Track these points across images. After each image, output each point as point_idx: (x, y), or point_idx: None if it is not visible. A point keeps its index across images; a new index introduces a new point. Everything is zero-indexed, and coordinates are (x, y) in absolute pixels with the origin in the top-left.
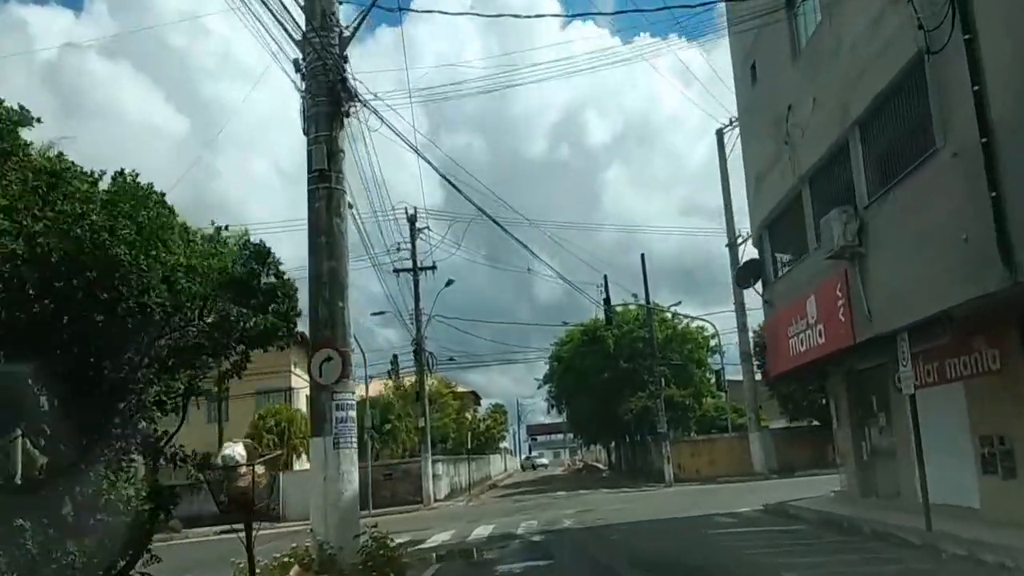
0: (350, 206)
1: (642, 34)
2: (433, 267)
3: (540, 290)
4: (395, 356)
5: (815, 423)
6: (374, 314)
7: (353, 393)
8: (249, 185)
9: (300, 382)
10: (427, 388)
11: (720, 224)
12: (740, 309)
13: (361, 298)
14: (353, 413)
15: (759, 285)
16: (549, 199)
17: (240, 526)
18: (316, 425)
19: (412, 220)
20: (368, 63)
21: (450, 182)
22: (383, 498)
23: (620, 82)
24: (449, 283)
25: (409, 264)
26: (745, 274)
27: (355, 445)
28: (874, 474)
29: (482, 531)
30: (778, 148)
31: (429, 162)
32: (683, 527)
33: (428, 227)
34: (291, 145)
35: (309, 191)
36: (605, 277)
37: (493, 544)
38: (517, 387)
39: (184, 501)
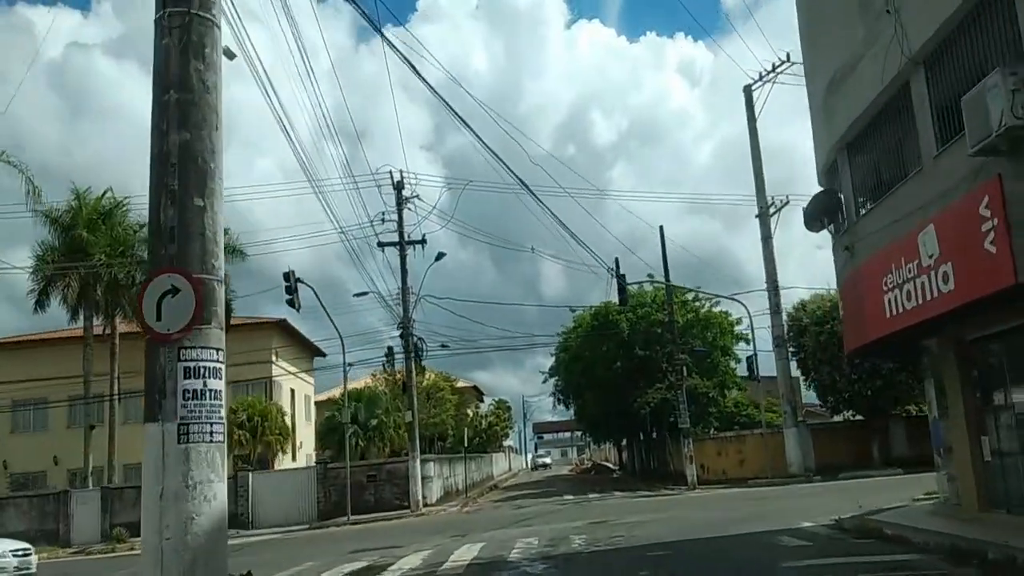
0: (230, 55)
1: (648, 33)
2: (423, 241)
3: (546, 282)
4: (390, 348)
5: (857, 417)
6: (356, 295)
7: (219, 351)
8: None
9: (279, 374)
10: (417, 378)
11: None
12: (773, 288)
13: (344, 281)
14: (219, 385)
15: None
16: (555, 198)
17: None
18: (150, 402)
19: (399, 187)
20: (377, 60)
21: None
22: (365, 503)
23: (624, 80)
24: (440, 257)
25: (395, 237)
26: (816, 211)
27: (221, 437)
28: (1003, 480)
29: (464, 553)
30: (869, 29)
31: (390, 42)
32: (739, 554)
33: (418, 196)
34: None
35: (155, 20)
36: (616, 260)
37: None
38: (524, 387)
39: (139, 506)
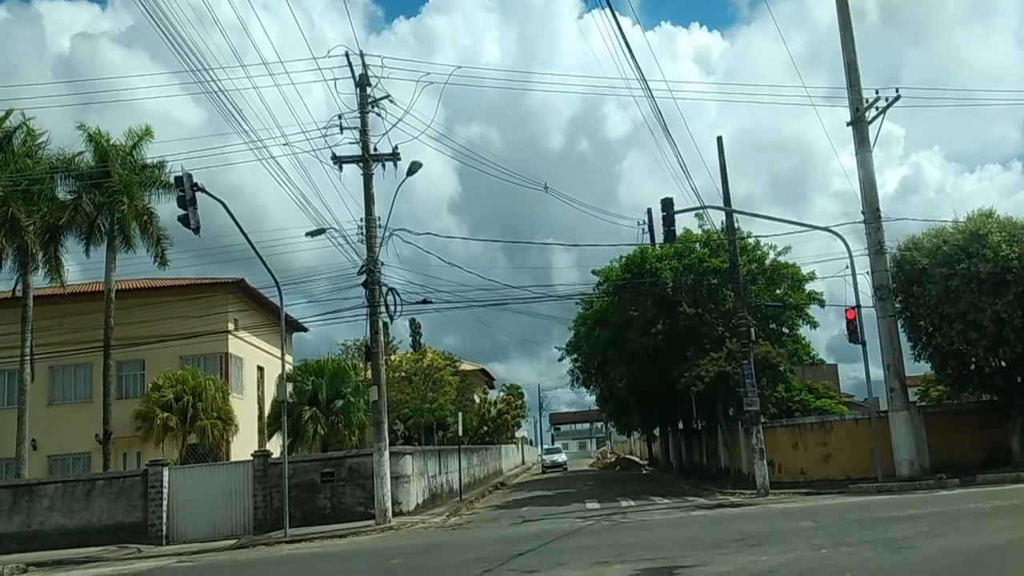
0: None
1: (663, 23)
2: (395, 155)
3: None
4: (385, 324)
5: (983, 398)
6: (310, 234)
7: None
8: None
9: (240, 347)
10: (413, 357)
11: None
12: (873, 220)
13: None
14: None
15: None
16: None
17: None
18: None
19: (362, 83)
20: (387, 50)
21: None
22: (319, 511)
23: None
24: (413, 169)
25: (357, 150)
26: None
27: None
28: None
29: None
30: None
31: None
32: None
33: (389, 97)
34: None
35: None
36: (649, 210)
37: None
38: (541, 379)
39: (18, 512)
